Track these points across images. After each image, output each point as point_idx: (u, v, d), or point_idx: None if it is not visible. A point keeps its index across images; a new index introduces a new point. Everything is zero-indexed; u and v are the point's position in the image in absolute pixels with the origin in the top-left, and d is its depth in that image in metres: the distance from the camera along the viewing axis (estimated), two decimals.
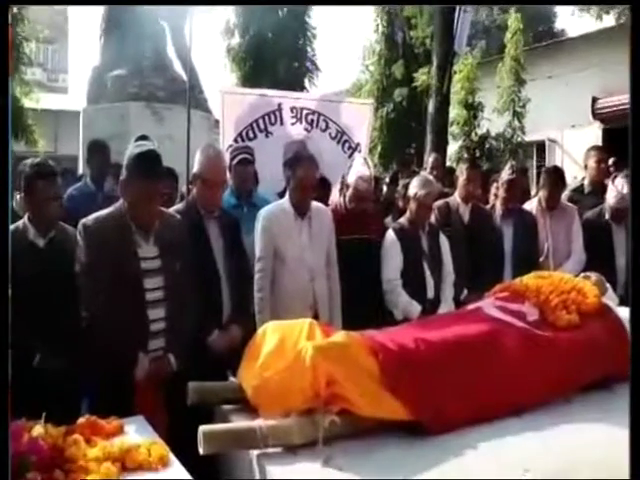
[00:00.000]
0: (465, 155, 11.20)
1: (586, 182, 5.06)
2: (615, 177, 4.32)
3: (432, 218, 4.01)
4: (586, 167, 5.11)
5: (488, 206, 4.48)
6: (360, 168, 3.72)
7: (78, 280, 2.61)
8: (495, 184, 4.72)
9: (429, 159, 6.99)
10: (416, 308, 3.55)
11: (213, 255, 3.07)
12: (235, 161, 4.02)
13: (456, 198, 4.24)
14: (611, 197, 4.23)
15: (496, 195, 4.57)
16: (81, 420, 2.15)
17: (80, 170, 7.71)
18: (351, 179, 3.70)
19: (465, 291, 3.89)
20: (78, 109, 9.14)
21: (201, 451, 2.00)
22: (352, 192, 3.69)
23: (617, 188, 4.18)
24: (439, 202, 4.22)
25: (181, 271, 2.72)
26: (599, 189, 4.81)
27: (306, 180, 3.38)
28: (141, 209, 2.62)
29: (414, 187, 3.75)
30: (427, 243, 3.74)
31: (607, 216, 4.28)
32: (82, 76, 8.54)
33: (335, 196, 4.44)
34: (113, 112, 8.03)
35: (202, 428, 2.03)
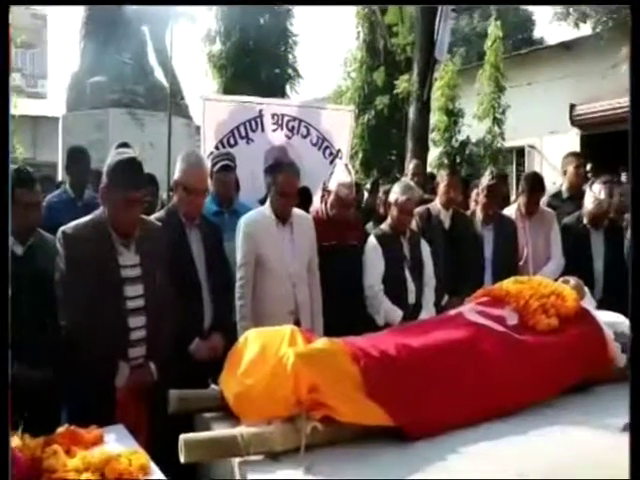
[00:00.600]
0: (445, 161, 11.30)
1: (564, 188, 5.12)
2: (593, 183, 4.38)
3: (413, 224, 4.03)
4: (564, 173, 5.17)
5: (469, 212, 4.51)
6: (341, 175, 3.73)
7: (57, 288, 2.58)
8: (476, 190, 4.75)
9: (410, 165, 7.01)
10: (398, 314, 3.55)
11: (194, 263, 3.06)
12: (216, 168, 4.00)
13: (437, 204, 4.26)
14: (589, 202, 4.28)
15: (477, 201, 4.60)
16: (60, 430, 2.12)
17: (59, 177, 7.65)
18: (332, 185, 3.71)
19: (446, 296, 3.90)
20: (57, 115, 9.09)
21: (182, 459, 1.99)
22: (333, 198, 3.70)
23: (595, 194, 4.24)
24: (420, 208, 4.24)
25: (162, 279, 2.71)
26: (577, 195, 4.88)
27: (287, 186, 3.37)
28: (122, 217, 2.60)
29: (395, 193, 3.76)
30: (408, 249, 3.75)
31: (585, 221, 4.33)
32: (61, 82, 8.48)
33: (316, 203, 4.44)
34: (93, 119, 7.98)
35: (183, 436, 2.01)
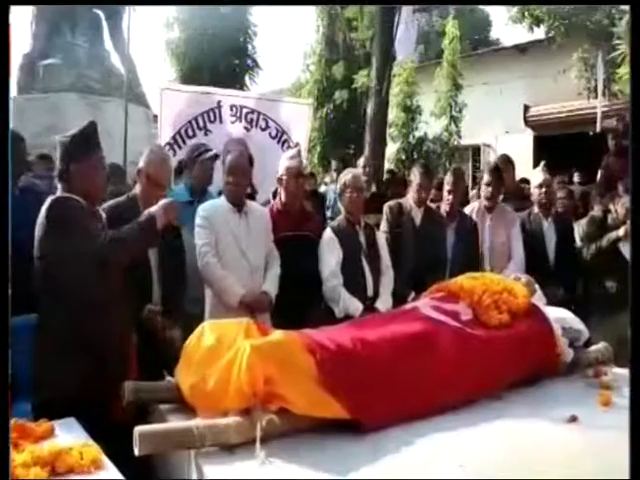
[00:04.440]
0: (403, 157, 11.43)
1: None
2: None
3: (383, 217, 4.10)
4: None
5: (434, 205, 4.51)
6: (288, 161, 3.73)
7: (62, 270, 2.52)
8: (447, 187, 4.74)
9: (360, 160, 7.18)
10: (357, 306, 3.53)
11: (147, 253, 3.03)
12: (206, 155, 4.02)
13: (409, 200, 4.26)
14: (535, 185, 4.49)
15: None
16: None
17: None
18: (281, 170, 3.71)
19: (412, 293, 3.84)
20: None
21: (137, 452, 1.96)
22: (284, 180, 3.70)
23: (538, 176, 4.50)
24: (391, 202, 4.29)
25: None
26: (511, 196, 4.97)
27: (237, 162, 3.42)
28: (94, 181, 2.65)
29: (341, 178, 3.87)
30: (364, 239, 3.75)
31: (535, 208, 4.46)
32: (11, 62, 8.12)
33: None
34: (46, 103, 7.74)
35: (138, 428, 1.99)
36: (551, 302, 3.39)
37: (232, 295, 3.27)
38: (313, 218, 3.99)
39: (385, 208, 4.28)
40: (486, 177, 4.49)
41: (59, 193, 2.65)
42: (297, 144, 5.83)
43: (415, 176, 4.28)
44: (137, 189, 3.18)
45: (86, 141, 2.64)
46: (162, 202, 2.69)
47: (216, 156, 4.06)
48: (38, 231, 2.57)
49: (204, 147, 4.21)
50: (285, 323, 2.85)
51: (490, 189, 4.42)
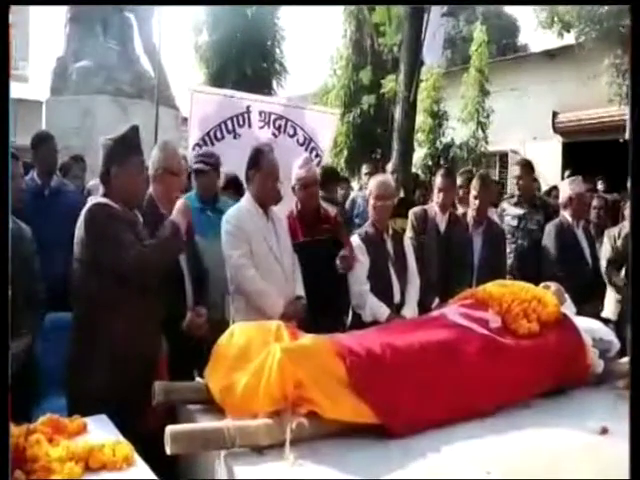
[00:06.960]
0: (429, 163, 11.38)
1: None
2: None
3: (408, 224, 4.06)
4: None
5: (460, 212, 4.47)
6: (297, 170, 3.70)
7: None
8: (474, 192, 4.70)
9: (387, 166, 7.24)
10: (384, 310, 3.52)
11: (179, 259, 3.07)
12: (195, 167, 3.98)
13: (434, 207, 4.25)
14: (566, 191, 4.45)
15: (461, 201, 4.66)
16: (43, 419, 2.11)
17: None
18: (293, 179, 3.70)
19: (437, 300, 3.84)
20: (40, 99, 8.90)
21: (168, 451, 1.98)
22: (296, 190, 3.69)
23: (568, 181, 4.52)
24: (416, 208, 4.27)
25: None
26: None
27: (273, 168, 3.39)
28: (137, 185, 2.72)
29: (370, 184, 3.84)
30: (392, 247, 3.74)
31: (568, 214, 4.40)
32: (45, 65, 8.29)
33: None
34: (78, 105, 7.85)
35: (169, 428, 2.01)
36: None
37: (276, 308, 3.21)
38: (330, 220, 3.87)
39: (410, 214, 4.27)
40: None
41: (99, 196, 2.68)
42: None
43: (438, 180, 4.27)
44: (152, 190, 3.15)
45: (128, 144, 2.69)
46: (177, 207, 2.77)
47: (201, 171, 3.95)
48: (77, 233, 2.60)
49: (200, 158, 4.10)
50: (313, 327, 2.85)
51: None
